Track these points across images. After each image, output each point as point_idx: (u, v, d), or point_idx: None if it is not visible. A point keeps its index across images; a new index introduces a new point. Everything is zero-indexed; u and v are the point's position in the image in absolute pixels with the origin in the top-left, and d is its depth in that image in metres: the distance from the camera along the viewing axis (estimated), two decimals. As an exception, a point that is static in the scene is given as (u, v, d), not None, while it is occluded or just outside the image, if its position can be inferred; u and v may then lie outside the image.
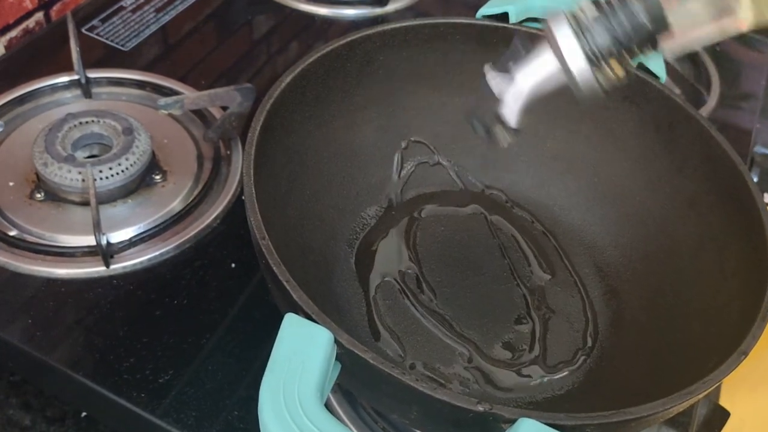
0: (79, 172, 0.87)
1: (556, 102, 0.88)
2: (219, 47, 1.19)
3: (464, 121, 0.73)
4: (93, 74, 1.05)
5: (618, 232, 0.88)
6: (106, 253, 0.82)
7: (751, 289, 0.67)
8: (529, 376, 0.78)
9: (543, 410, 0.58)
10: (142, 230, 0.87)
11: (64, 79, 1.04)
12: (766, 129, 1.23)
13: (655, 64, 0.85)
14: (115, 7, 1.21)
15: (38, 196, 0.89)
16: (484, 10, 0.88)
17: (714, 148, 0.78)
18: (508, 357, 0.79)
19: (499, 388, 0.76)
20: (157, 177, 0.93)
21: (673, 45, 0.60)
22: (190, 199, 0.92)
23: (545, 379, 0.78)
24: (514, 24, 0.87)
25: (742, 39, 1.43)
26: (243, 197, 0.64)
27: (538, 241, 0.90)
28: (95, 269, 0.83)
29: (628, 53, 0.60)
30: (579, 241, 0.90)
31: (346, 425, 0.74)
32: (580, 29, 0.61)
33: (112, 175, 0.88)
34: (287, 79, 0.75)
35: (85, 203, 0.88)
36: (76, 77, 1.03)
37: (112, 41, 1.14)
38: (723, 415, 0.84)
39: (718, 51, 1.36)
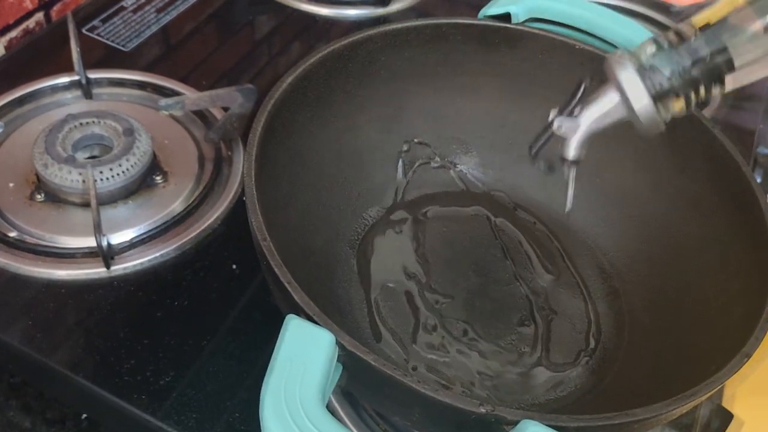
0: (80, 173, 0.87)
1: (557, 103, 0.88)
2: (220, 48, 1.19)
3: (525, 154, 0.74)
4: (93, 75, 1.05)
5: (621, 234, 0.88)
6: (107, 254, 0.82)
7: (755, 291, 0.67)
8: (532, 377, 0.78)
9: (546, 412, 0.58)
10: (143, 231, 0.87)
11: (64, 79, 1.03)
12: (769, 130, 1.23)
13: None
14: (116, 7, 1.21)
15: (38, 197, 0.89)
16: (487, 11, 0.88)
17: (717, 149, 0.78)
18: (511, 358, 0.79)
19: (502, 390, 0.76)
20: (158, 178, 0.93)
21: (734, 83, 0.61)
22: (191, 200, 0.91)
23: (548, 381, 0.78)
24: (516, 24, 0.87)
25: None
26: (244, 198, 0.64)
27: (540, 243, 0.90)
28: (96, 271, 0.83)
29: (694, 92, 0.62)
30: (582, 243, 0.90)
31: (348, 427, 0.74)
32: (643, 69, 0.62)
33: (113, 176, 0.87)
34: (289, 79, 0.75)
35: (86, 204, 0.88)
36: (76, 78, 1.02)
37: (112, 41, 1.14)
38: (726, 417, 0.84)
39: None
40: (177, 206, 0.91)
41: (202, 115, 1.02)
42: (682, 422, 0.79)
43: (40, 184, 0.90)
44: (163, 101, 0.93)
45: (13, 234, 0.86)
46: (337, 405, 0.76)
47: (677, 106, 0.63)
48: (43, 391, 0.83)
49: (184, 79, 1.08)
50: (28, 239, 0.85)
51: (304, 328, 0.55)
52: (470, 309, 0.82)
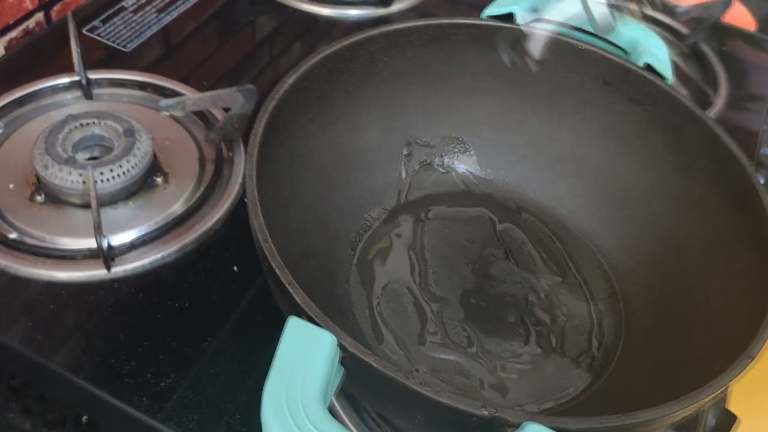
0: (80, 174, 0.86)
1: (561, 103, 0.89)
2: (221, 48, 1.19)
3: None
4: (94, 75, 1.04)
5: (624, 235, 0.88)
6: (107, 255, 0.82)
7: (758, 292, 0.67)
8: (534, 378, 0.77)
9: (548, 414, 0.58)
10: (144, 233, 0.87)
11: (64, 80, 1.03)
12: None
13: (662, 64, 0.85)
14: (116, 7, 1.21)
15: (38, 198, 0.89)
16: (489, 11, 0.88)
17: (721, 150, 0.78)
18: (513, 360, 0.79)
19: (504, 392, 0.76)
20: (159, 179, 0.93)
21: None
22: (192, 201, 0.91)
23: (550, 382, 0.77)
24: (519, 25, 0.87)
25: (750, 40, 1.43)
26: (245, 199, 0.64)
27: (543, 244, 0.90)
28: (96, 272, 0.82)
29: None
30: (585, 244, 0.90)
31: (350, 430, 0.73)
32: None
33: (113, 177, 0.87)
34: (290, 80, 0.75)
35: (86, 205, 0.88)
36: (76, 78, 1.02)
37: (113, 42, 1.14)
38: (730, 419, 0.84)
39: (725, 52, 1.36)
40: (178, 207, 0.90)
41: (202, 116, 1.02)
42: (687, 424, 0.79)
43: (40, 185, 0.89)
44: (164, 102, 0.93)
45: (13, 235, 0.85)
46: (338, 407, 0.75)
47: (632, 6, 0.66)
48: (44, 393, 0.82)
49: (184, 80, 1.08)
50: (28, 240, 0.85)
51: (306, 329, 0.55)
52: (472, 310, 0.82)
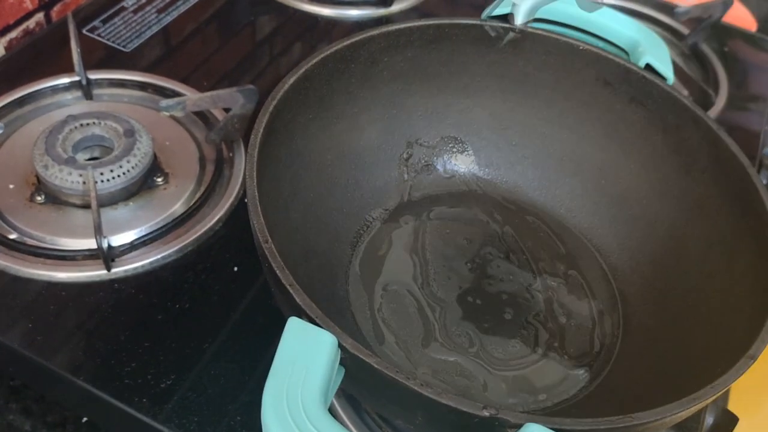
0: (80, 175, 0.86)
1: (561, 104, 0.89)
2: (221, 48, 1.18)
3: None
4: (94, 75, 1.05)
5: (625, 235, 0.88)
6: (108, 256, 0.82)
7: (760, 292, 0.67)
8: (535, 379, 0.77)
9: (549, 415, 0.57)
10: (144, 233, 0.87)
11: (64, 80, 1.03)
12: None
13: (663, 65, 0.84)
14: (117, 7, 1.21)
15: (39, 198, 0.89)
16: (490, 11, 0.88)
17: (722, 150, 0.77)
18: (515, 361, 0.79)
19: (507, 394, 0.76)
20: (159, 179, 0.93)
21: None
22: (192, 201, 0.91)
23: (552, 383, 0.77)
24: (519, 25, 0.87)
25: (750, 40, 1.43)
26: (246, 200, 0.64)
27: (543, 244, 0.90)
28: (96, 273, 0.82)
29: None
30: (584, 244, 0.90)
31: (350, 430, 0.73)
32: None
33: (114, 178, 0.87)
34: (290, 80, 0.75)
35: (86, 206, 0.88)
36: (76, 78, 1.02)
37: (113, 42, 1.14)
38: (731, 419, 0.84)
39: (726, 52, 1.36)
40: (178, 208, 0.91)
41: (203, 116, 1.02)
42: (688, 425, 0.79)
43: (40, 186, 0.89)
44: (164, 102, 0.93)
45: (13, 236, 0.86)
46: (339, 408, 0.75)
47: None
48: (44, 394, 0.82)
49: (185, 80, 1.08)
50: (29, 241, 0.85)
51: (306, 330, 0.55)
52: (473, 310, 0.82)
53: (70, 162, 0.87)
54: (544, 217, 0.92)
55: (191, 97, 0.96)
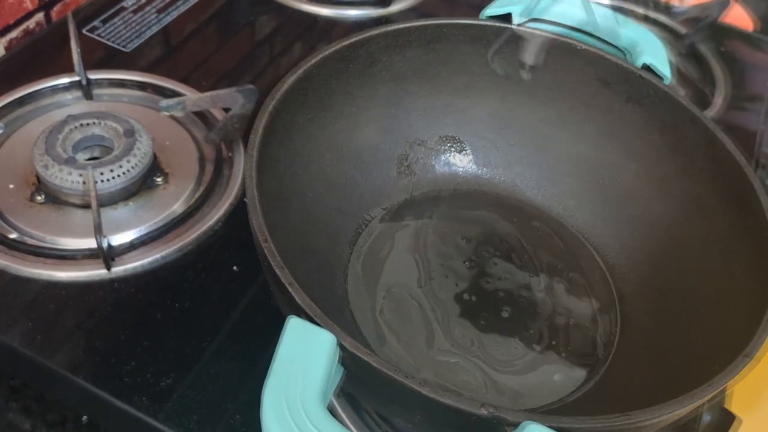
0: (80, 175, 0.87)
1: (559, 103, 0.89)
2: (221, 48, 1.19)
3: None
4: (94, 75, 1.05)
5: (623, 235, 0.88)
6: (107, 255, 0.82)
7: (757, 292, 0.67)
8: (534, 378, 0.78)
9: (547, 414, 0.58)
10: (144, 233, 0.87)
11: (64, 80, 1.03)
12: (771, 130, 1.23)
13: (661, 65, 0.85)
14: (117, 7, 1.21)
15: (39, 198, 0.89)
16: (488, 11, 0.88)
17: (719, 150, 0.78)
18: (514, 361, 0.79)
19: (505, 392, 0.76)
20: (159, 179, 0.93)
21: None
22: (192, 201, 0.91)
23: (550, 381, 0.78)
24: (517, 25, 0.87)
25: (748, 40, 1.43)
26: (245, 199, 0.64)
27: (541, 243, 0.90)
28: (96, 272, 0.82)
29: None
30: (582, 243, 0.90)
31: (350, 429, 0.74)
32: None
33: (113, 178, 0.87)
34: (290, 80, 0.75)
35: (86, 206, 0.88)
36: (76, 78, 1.03)
37: (113, 42, 1.14)
38: (729, 418, 0.84)
39: (723, 52, 1.36)
40: (178, 207, 0.91)
41: (202, 116, 1.02)
42: (685, 424, 0.79)
43: (40, 186, 0.89)
44: (164, 102, 0.93)
45: (13, 235, 0.86)
46: (338, 407, 0.76)
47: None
48: (44, 393, 0.82)
49: (184, 80, 1.08)
50: (29, 240, 0.85)
51: (305, 329, 0.55)
52: (472, 310, 0.82)
53: (70, 162, 0.87)
54: (542, 216, 0.93)
55: (191, 97, 0.96)
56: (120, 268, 0.83)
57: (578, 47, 0.86)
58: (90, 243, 0.83)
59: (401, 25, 0.85)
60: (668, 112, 0.83)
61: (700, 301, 0.75)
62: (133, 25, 1.18)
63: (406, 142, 0.92)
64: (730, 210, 0.76)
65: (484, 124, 0.93)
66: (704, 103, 1.23)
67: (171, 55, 1.15)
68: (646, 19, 1.41)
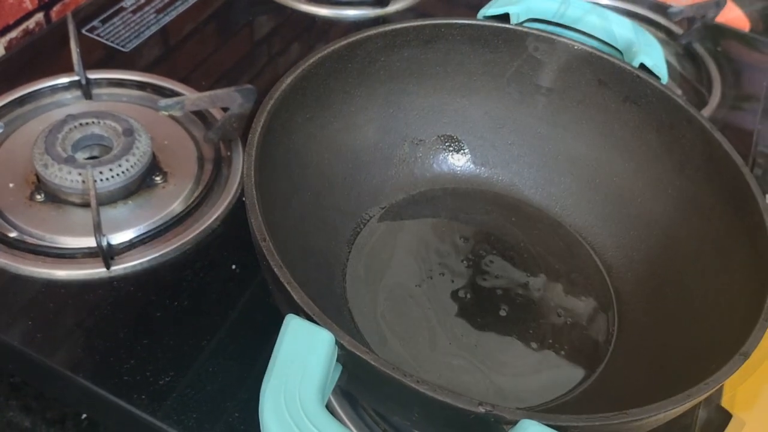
0: (80, 174, 0.87)
1: (557, 103, 0.89)
2: (220, 48, 1.19)
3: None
4: (93, 75, 1.05)
5: (620, 234, 0.88)
6: (107, 254, 0.82)
7: (754, 290, 0.67)
8: (532, 376, 0.78)
9: (545, 412, 0.58)
10: (143, 232, 0.87)
11: (64, 80, 1.04)
12: (767, 130, 1.23)
13: (657, 64, 0.85)
14: (116, 8, 1.21)
15: (38, 197, 0.89)
16: (486, 11, 0.89)
17: (715, 149, 0.78)
18: (512, 360, 0.79)
19: (503, 390, 0.76)
20: (158, 178, 0.93)
21: None
22: (191, 200, 0.92)
23: (548, 380, 0.78)
24: (515, 25, 0.87)
25: (743, 40, 1.43)
26: (244, 199, 0.64)
27: (540, 242, 0.90)
28: (96, 271, 0.83)
29: None
30: (581, 242, 0.90)
31: (348, 427, 0.74)
32: None
33: (113, 177, 0.88)
34: (288, 80, 0.75)
35: (86, 205, 0.88)
36: (76, 78, 1.03)
37: (112, 42, 1.14)
38: (725, 417, 0.84)
39: (719, 52, 1.37)
40: (177, 206, 0.91)
41: (201, 116, 1.03)
42: (682, 422, 0.79)
43: (40, 185, 0.90)
44: (163, 102, 0.93)
45: (13, 234, 0.86)
46: (336, 405, 0.76)
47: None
48: (43, 391, 0.83)
49: (183, 80, 1.08)
50: (28, 239, 0.86)
51: (304, 327, 0.55)
52: (469, 308, 0.83)
53: (70, 161, 0.88)
54: (540, 215, 0.93)
55: (190, 96, 0.96)
56: (119, 267, 0.83)
57: (575, 47, 0.87)
58: (89, 242, 0.83)
59: (399, 25, 0.85)
60: (665, 111, 0.83)
61: (697, 300, 0.76)
62: (132, 25, 1.18)
63: (405, 142, 0.92)
64: (727, 209, 0.76)
65: (482, 124, 0.93)
66: (700, 102, 1.23)
67: (170, 55, 1.16)
68: (642, 19, 1.42)
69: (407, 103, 0.91)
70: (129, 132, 0.91)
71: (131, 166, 0.89)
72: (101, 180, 0.87)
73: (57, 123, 0.92)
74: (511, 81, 0.91)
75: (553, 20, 0.90)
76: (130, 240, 0.86)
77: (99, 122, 0.93)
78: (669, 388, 0.58)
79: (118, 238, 0.86)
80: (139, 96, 1.06)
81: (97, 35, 1.15)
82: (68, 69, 1.03)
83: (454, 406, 0.53)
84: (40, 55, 1.10)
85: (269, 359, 0.54)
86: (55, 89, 1.03)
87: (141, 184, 0.92)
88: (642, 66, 0.85)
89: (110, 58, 1.12)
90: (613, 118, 0.87)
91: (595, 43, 0.89)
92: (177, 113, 0.95)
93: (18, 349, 0.76)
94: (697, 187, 0.80)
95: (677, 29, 1.40)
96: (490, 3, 0.90)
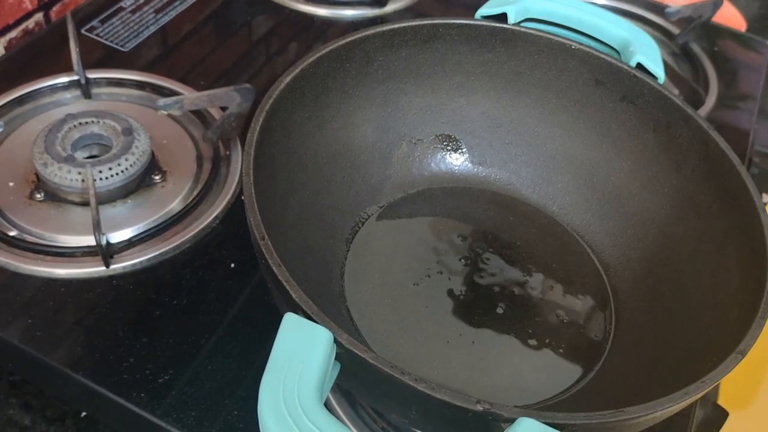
0: (79, 173, 0.87)
1: (553, 102, 0.89)
2: (218, 48, 1.19)
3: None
4: (93, 75, 1.05)
5: (616, 232, 0.88)
6: (106, 253, 0.82)
7: (750, 289, 0.67)
8: (528, 375, 0.78)
9: (542, 410, 0.58)
10: (142, 230, 0.88)
11: (63, 79, 1.04)
12: (763, 129, 1.24)
13: (654, 64, 0.85)
14: (115, 7, 1.21)
15: (38, 196, 0.89)
16: (483, 11, 0.89)
17: (712, 149, 0.78)
18: (510, 358, 0.79)
19: (500, 388, 0.77)
20: (157, 177, 0.93)
21: None
22: (190, 199, 0.92)
23: (544, 378, 0.78)
24: (512, 25, 0.88)
25: (740, 39, 1.44)
26: (242, 197, 0.64)
27: (537, 241, 0.91)
28: (95, 269, 0.83)
29: None
30: (578, 241, 0.91)
31: (346, 425, 0.74)
32: None
33: (112, 176, 0.88)
34: (286, 79, 0.75)
35: (85, 203, 0.88)
36: (75, 78, 1.03)
37: (111, 42, 1.15)
38: (722, 414, 0.84)
39: (716, 51, 1.37)
40: (175, 205, 0.91)
41: (200, 115, 1.03)
42: (678, 420, 0.80)
43: (39, 183, 0.90)
44: (162, 101, 0.93)
45: (12, 233, 0.86)
46: (334, 403, 0.76)
47: None
48: (43, 389, 0.83)
49: (182, 79, 1.08)
50: (28, 238, 0.86)
51: (302, 325, 0.55)
52: (466, 306, 0.83)
53: (69, 160, 0.88)
54: (537, 214, 0.93)
55: (188, 96, 0.96)
56: (118, 266, 0.84)
57: (572, 47, 0.87)
58: (89, 240, 0.84)
59: (397, 25, 0.85)
60: (661, 111, 0.83)
61: (694, 299, 0.76)
62: (132, 25, 1.18)
63: (403, 141, 0.92)
64: (723, 208, 0.77)
65: (479, 123, 0.94)
66: (697, 102, 1.24)
67: (169, 54, 1.16)
68: (639, 19, 1.42)
69: (405, 103, 0.91)
70: (128, 131, 0.92)
71: (130, 165, 0.89)
72: (100, 179, 0.87)
73: (56, 122, 0.92)
74: (509, 80, 0.91)
75: (550, 20, 0.90)
76: (129, 239, 0.87)
77: (98, 121, 0.93)
78: (666, 386, 0.59)
79: (118, 236, 0.86)
80: (138, 95, 1.06)
81: (97, 35, 1.15)
82: (68, 68, 1.03)
83: (452, 404, 0.53)
84: (40, 54, 1.11)
85: (268, 357, 0.54)
86: (54, 89, 1.04)
87: (140, 183, 0.92)
88: (639, 66, 0.85)
89: (109, 58, 1.12)
90: (610, 117, 0.87)
91: (592, 43, 0.89)
92: (176, 112, 0.95)
93: (18, 347, 0.76)
94: (693, 186, 0.80)
95: (674, 29, 1.40)
96: (487, 3, 0.90)
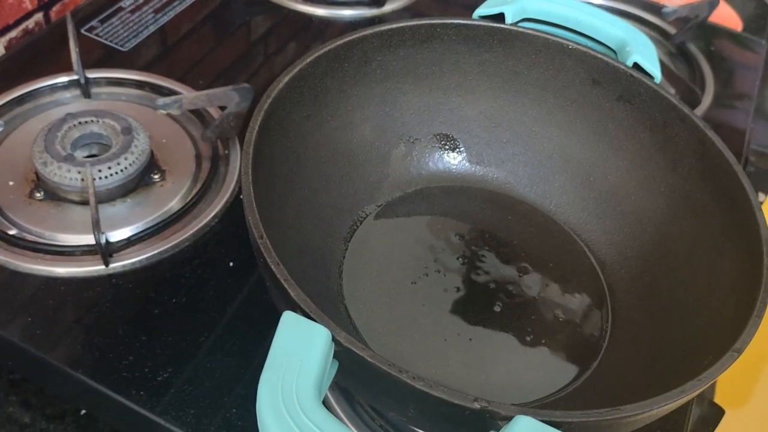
0: (79, 172, 0.87)
1: (551, 102, 0.89)
2: (217, 48, 1.19)
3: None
4: (92, 74, 1.05)
5: (613, 231, 0.88)
6: (105, 251, 0.83)
7: (746, 288, 0.67)
8: (526, 373, 0.78)
9: (539, 408, 0.58)
10: (141, 229, 0.88)
11: (63, 79, 1.04)
12: (759, 128, 1.24)
13: (651, 63, 0.85)
14: (114, 7, 1.21)
15: (38, 195, 0.89)
16: (481, 11, 0.89)
17: (708, 148, 0.78)
18: (507, 355, 0.79)
19: (497, 386, 0.77)
20: (156, 176, 0.93)
21: None
22: (189, 198, 0.92)
23: (542, 376, 0.78)
24: (510, 25, 0.88)
25: (736, 39, 1.44)
26: (241, 196, 0.64)
27: (534, 239, 0.91)
28: (94, 268, 0.83)
29: None
30: (575, 239, 0.91)
31: (344, 423, 0.74)
32: None
33: (111, 175, 0.88)
34: (285, 79, 0.75)
35: (85, 202, 0.88)
36: (75, 77, 1.03)
37: (111, 42, 1.15)
38: (718, 412, 0.85)
39: (712, 51, 1.37)
40: (174, 204, 0.91)
41: (199, 114, 1.03)
42: (675, 418, 0.80)
43: (39, 182, 0.90)
44: (161, 100, 0.93)
45: (12, 231, 0.86)
46: (332, 400, 0.76)
47: None
48: (43, 387, 0.83)
49: (181, 79, 1.08)
50: (28, 237, 0.86)
51: (301, 324, 0.55)
52: (466, 305, 0.83)
53: (69, 159, 0.88)
54: (534, 212, 0.93)
55: (187, 95, 0.96)
56: (118, 264, 0.84)
57: (569, 46, 0.87)
58: (88, 239, 0.84)
59: (395, 25, 0.86)
60: (658, 110, 0.83)
61: (690, 297, 0.76)
62: (131, 24, 1.19)
63: (400, 140, 0.92)
64: (719, 207, 0.77)
65: (476, 123, 0.94)
66: (693, 101, 1.24)
67: (168, 54, 1.16)
68: (635, 19, 1.42)
69: (403, 102, 0.91)
70: (127, 130, 0.92)
71: (130, 164, 0.89)
72: (100, 178, 0.87)
73: (56, 121, 0.92)
74: (506, 80, 0.91)
75: (547, 20, 0.91)
76: (129, 237, 0.87)
77: (98, 121, 0.93)
78: (662, 384, 0.59)
79: (117, 235, 0.87)
80: (138, 95, 1.06)
81: (96, 35, 1.16)
82: (67, 68, 1.04)
83: (450, 402, 0.53)
84: (40, 54, 1.11)
85: (266, 355, 0.54)
86: (54, 88, 1.04)
87: (139, 182, 0.92)
88: (635, 65, 0.85)
89: (109, 58, 1.12)
90: (606, 116, 0.88)
91: (589, 43, 0.89)
92: (175, 112, 0.95)
93: (18, 346, 0.77)
94: (690, 185, 0.81)
95: (671, 29, 1.40)
96: (485, 3, 0.90)
